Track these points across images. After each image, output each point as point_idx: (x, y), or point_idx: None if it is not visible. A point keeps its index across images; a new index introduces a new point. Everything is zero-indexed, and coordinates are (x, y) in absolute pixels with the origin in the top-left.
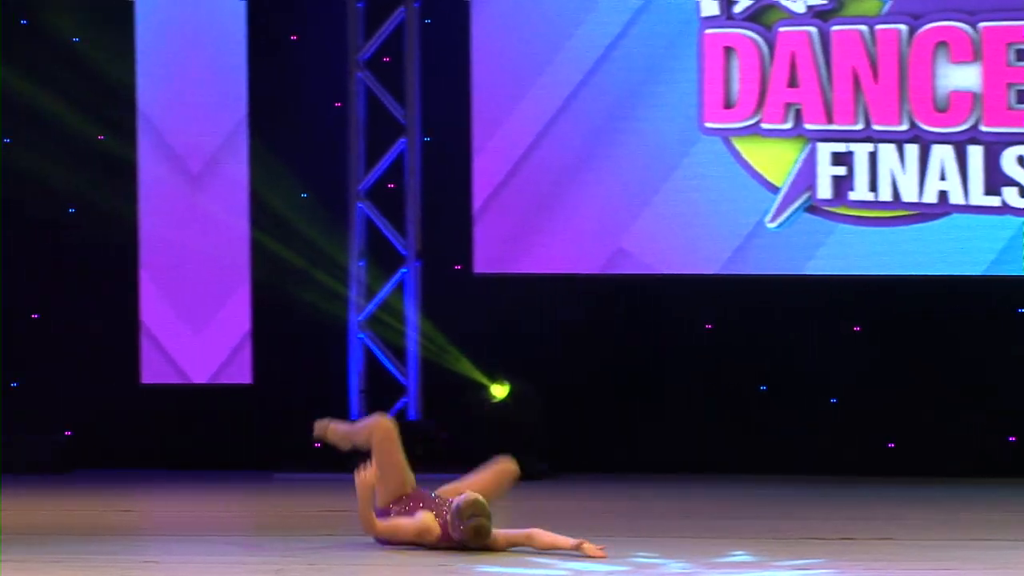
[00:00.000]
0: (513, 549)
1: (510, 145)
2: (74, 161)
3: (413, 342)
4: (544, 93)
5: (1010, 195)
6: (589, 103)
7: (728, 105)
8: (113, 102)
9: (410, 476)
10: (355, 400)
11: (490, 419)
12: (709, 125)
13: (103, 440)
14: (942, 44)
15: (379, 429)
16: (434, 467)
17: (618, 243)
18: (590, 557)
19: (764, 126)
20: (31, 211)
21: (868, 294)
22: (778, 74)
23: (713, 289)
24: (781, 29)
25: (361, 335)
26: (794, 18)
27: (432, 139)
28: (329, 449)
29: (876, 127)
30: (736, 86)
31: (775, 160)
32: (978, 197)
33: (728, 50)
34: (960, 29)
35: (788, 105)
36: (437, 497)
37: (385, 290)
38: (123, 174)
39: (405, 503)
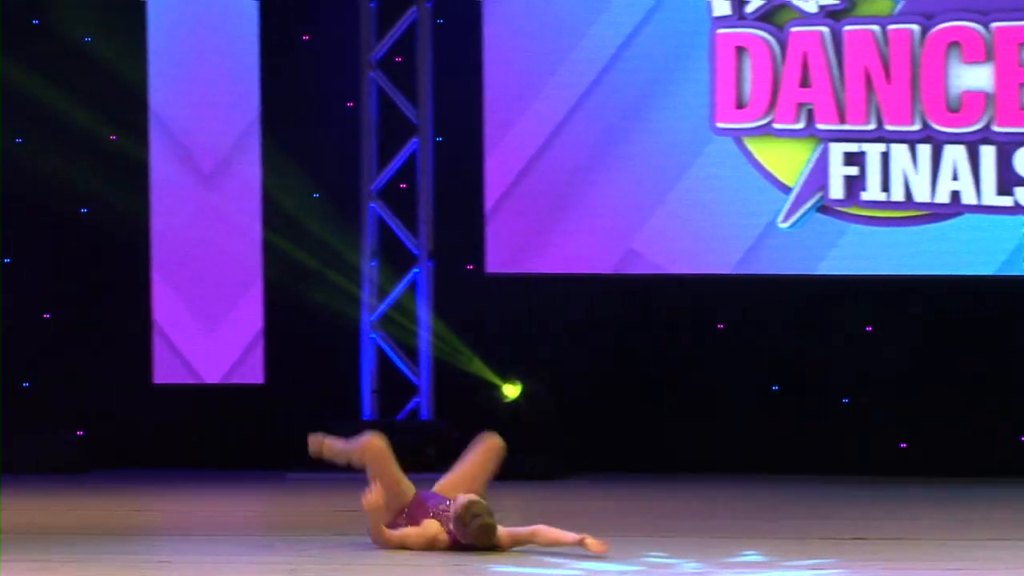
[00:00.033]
0: (524, 548)
1: (522, 145)
2: (86, 161)
3: (425, 342)
4: (556, 93)
5: (1022, 195)
6: (601, 103)
7: (740, 105)
8: (125, 102)
9: (407, 487)
10: (367, 400)
11: (502, 419)
12: (721, 125)
13: (115, 440)
14: (954, 44)
15: (370, 449)
16: (446, 468)
17: (630, 243)
18: (593, 552)
19: (776, 126)
20: (43, 211)
21: (880, 294)
22: (790, 74)
23: (725, 289)
24: (793, 29)
25: (373, 335)
26: (806, 18)
27: (444, 139)
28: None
29: (888, 127)
30: (748, 86)
31: (787, 160)
32: (990, 197)
33: (740, 50)
34: (972, 29)
35: (800, 105)
36: (438, 498)
37: (397, 290)
38: (135, 174)
39: (409, 514)
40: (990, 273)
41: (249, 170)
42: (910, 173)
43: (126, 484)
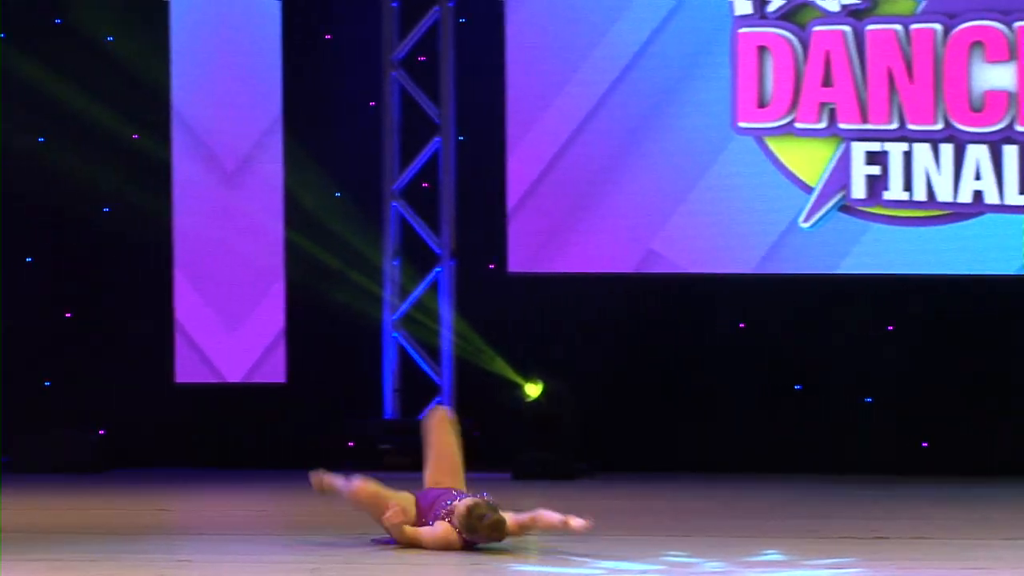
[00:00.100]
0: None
1: (544, 144)
2: (109, 160)
3: (447, 341)
4: (578, 92)
5: None
6: (623, 102)
7: (762, 104)
8: (148, 101)
9: (408, 502)
10: (389, 399)
11: (524, 418)
12: (743, 125)
13: (137, 439)
14: (977, 44)
15: (360, 496)
16: (468, 467)
17: (651, 242)
18: (577, 532)
19: (798, 125)
20: (66, 210)
21: (902, 293)
22: (812, 73)
23: (747, 288)
24: (815, 28)
25: (395, 334)
26: (828, 17)
27: (466, 138)
28: (363, 447)
29: (911, 127)
30: (770, 85)
31: (809, 160)
32: (1013, 197)
33: (762, 49)
34: (995, 29)
35: (822, 104)
36: (440, 497)
37: (419, 289)
38: (158, 173)
39: (418, 520)
40: (1012, 273)
41: (271, 169)
42: (932, 173)
43: (147, 483)
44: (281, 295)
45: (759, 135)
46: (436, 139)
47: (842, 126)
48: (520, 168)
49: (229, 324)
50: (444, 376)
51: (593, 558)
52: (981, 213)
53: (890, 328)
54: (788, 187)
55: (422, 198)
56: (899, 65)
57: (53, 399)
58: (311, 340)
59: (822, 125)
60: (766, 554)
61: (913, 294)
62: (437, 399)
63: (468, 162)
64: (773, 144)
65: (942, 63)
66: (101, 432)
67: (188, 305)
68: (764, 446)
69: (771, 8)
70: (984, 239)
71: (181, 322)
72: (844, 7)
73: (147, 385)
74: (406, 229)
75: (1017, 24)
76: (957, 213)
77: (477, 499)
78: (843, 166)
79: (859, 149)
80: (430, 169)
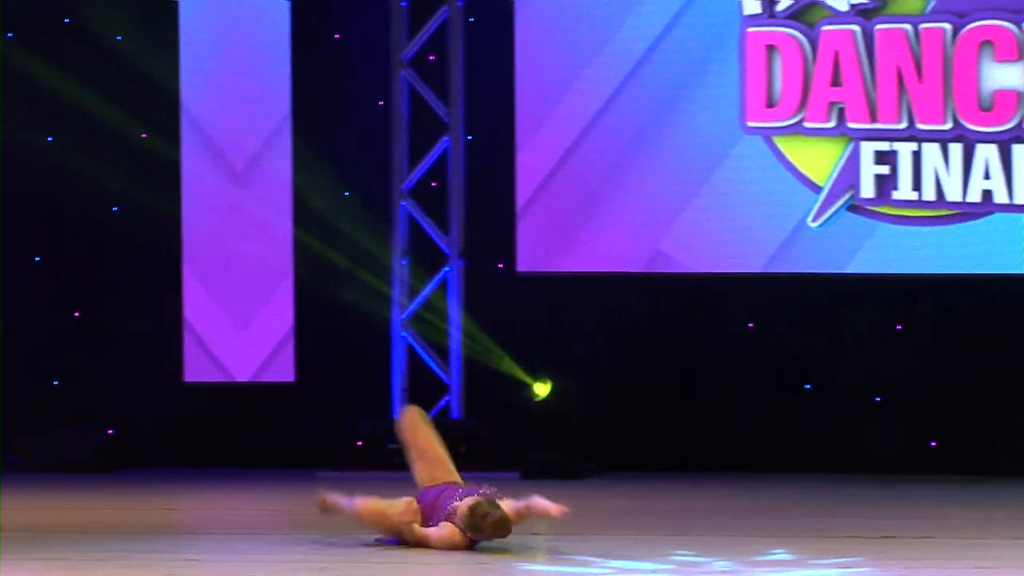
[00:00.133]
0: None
1: (553, 143)
2: (117, 159)
3: (456, 340)
4: (587, 91)
5: None
6: (631, 102)
7: (770, 104)
8: (156, 100)
9: (410, 508)
10: (398, 398)
11: (533, 418)
12: (751, 124)
13: (145, 438)
14: (987, 43)
15: (364, 516)
16: (477, 466)
17: (660, 241)
18: (553, 517)
19: (807, 125)
20: (74, 209)
21: (911, 293)
22: (821, 72)
23: (755, 288)
24: (824, 28)
25: (404, 333)
26: (837, 16)
27: (475, 137)
28: (371, 446)
29: (920, 126)
30: (778, 85)
31: (817, 159)
32: (1022, 196)
33: (770, 48)
34: (1005, 28)
35: (831, 104)
36: (439, 496)
37: (428, 288)
38: (166, 172)
39: (422, 521)
40: (1022, 272)
41: (280, 168)
42: (941, 172)
43: (155, 482)
44: (290, 294)
45: (768, 134)
46: (445, 138)
47: (851, 125)
48: (529, 167)
49: (238, 323)
50: (453, 375)
51: (602, 558)
52: (990, 213)
53: (899, 328)
54: (797, 186)
55: (431, 197)
56: (908, 64)
57: (61, 398)
58: (320, 339)
59: (831, 124)
60: (774, 553)
61: (922, 294)
62: (446, 398)
63: (477, 161)
64: (782, 143)
65: (951, 62)
66: (109, 431)
67: (197, 304)
68: (772, 445)
69: (780, 7)
70: (993, 239)
71: (190, 321)
72: (853, 6)
73: (155, 384)
74: (415, 228)
75: None
76: (966, 213)
77: (478, 498)
78: (852, 166)
79: (868, 149)
80: (439, 168)
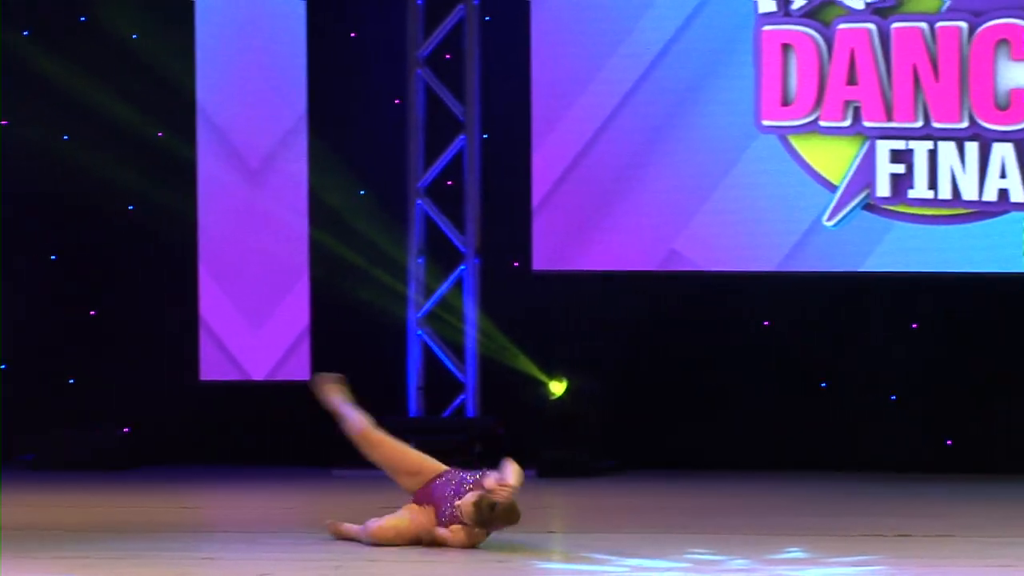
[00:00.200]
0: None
1: (569, 142)
2: (133, 158)
3: (471, 339)
4: (602, 90)
5: None
6: (647, 100)
7: (786, 103)
8: (172, 99)
9: (421, 516)
10: (413, 397)
11: (548, 416)
12: (767, 123)
13: (162, 436)
14: (1003, 41)
15: (382, 535)
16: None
17: (676, 240)
18: (506, 490)
19: (822, 124)
20: (90, 208)
21: (926, 292)
22: (837, 71)
23: (771, 286)
24: (840, 26)
25: (419, 332)
26: (853, 15)
27: (491, 136)
28: None
29: (936, 125)
30: (794, 83)
31: (833, 158)
32: None
33: (786, 47)
34: (1021, 27)
35: (847, 102)
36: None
37: (444, 287)
38: (182, 171)
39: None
40: None
41: (296, 167)
42: (958, 171)
43: (172, 480)
44: (306, 293)
45: (783, 133)
46: (461, 137)
47: (867, 124)
48: (544, 166)
49: (254, 322)
50: (468, 374)
51: (618, 556)
52: (1006, 211)
53: (914, 326)
54: (812, 185)
55: (447, 196)
56: (924, 63)
57: (77, 397)
58: (335, 338)
59: (847, 123)
60: (789, 552)
61: (937, 292)
62: (461, 397)
63: (493, 160)
64: (797, 142)
65: (967, 61)
66: (126, 429)
67: (213, 303)
68: (787, 444)
69: (795, 6)
70: (1009, 237)
71: (206, 320)
72: (869, 5)
73: (171, 383)
74: (431, 227)
75: None
76: (982, 211)
77: (477, 495)
78: (868, 164)
79: (884, 147)
80: (455, 167)
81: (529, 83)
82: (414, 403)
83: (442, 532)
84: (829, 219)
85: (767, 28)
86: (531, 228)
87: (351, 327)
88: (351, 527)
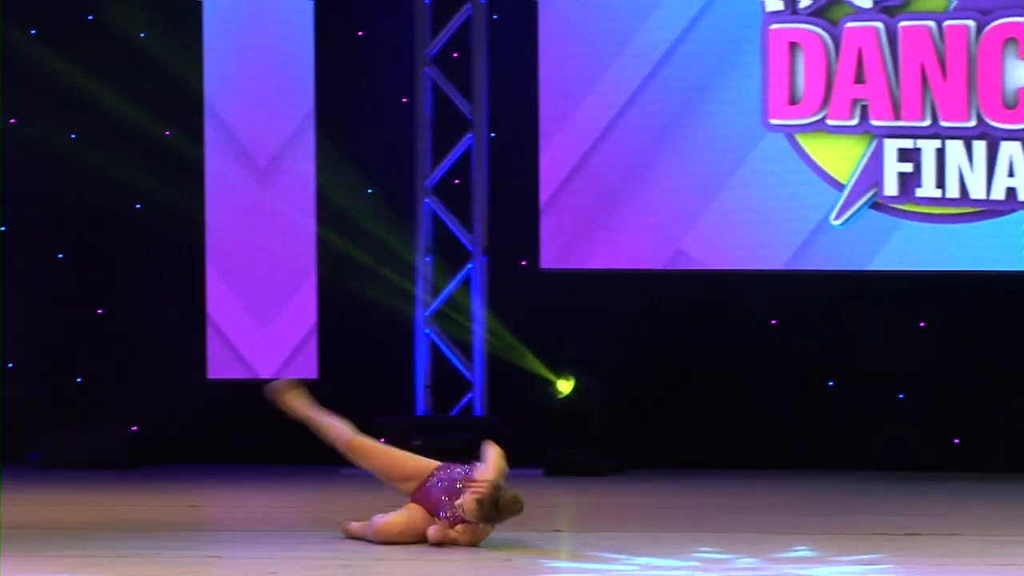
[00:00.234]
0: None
1: (576, 140)
2: (141, 157)
3: (479, 338)
4: (610, 89)
5: None
6: (654, 99)
7: (793, 101)
8: (180, 98)
9: (420, 519)
10: (421, 396)
11: (556, 414)
12: (774, 122)
13: (169, 435)
14: (1011, 40)
15: (386, 535)
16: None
17: (683, 239)
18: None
19: (830, 122)
20: (97, 207)
21: (934, 290)
22: (844, 70)
23: (778, 285)
24: (847, 25)
25: (427, 330)
26: (860, 13)
27: (498, 135)
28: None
29: (944, 123)
30: (801, 82)
31: (840, 157)
32: None
33: (793, 45)
34: None
35: (854, 101)
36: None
37: (451, 286)
38: (190, 170)
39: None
40: None
41: (303, 165)
42: (965, 170)
43: (179, 479)
44: (313, 291)
45: (790, 132)
46: (468, 135)
47: (874, 123)
48: (552, 165)
49: (261, 320)
50: (476, 372)
51: (626, 554)
52: (1014, 210)
53: (922, 325)
54: (819, 184)
55: (454, 195)
56: (932, 62)
57: (84, 395)
58: (343, 336)
59: (854, 122)
60: (796, 550)
61: (945, 291)
62: (469, 395)
63: (500, 159)
64: (804, 141)
65: (975, 60)
66: (133, 428)
67: (220, 301)
68: (794, 442)
69: (802, 4)
70: (1017, 236)
71: (213, 318)
72: (876, 3)
73: (179, 381)
74: (438, 226)
75: None
76: (990, 210)
77: (483, 489)
78: (875, 163)
79: (891, 146)
80: (462, 166)
81: (537, 82)
82: (421, 402)
83: (450, 533)
84: (836, 218)
85: (774, 27)
86: (539, 227)
87: (359, 325)
88: (357, 526)
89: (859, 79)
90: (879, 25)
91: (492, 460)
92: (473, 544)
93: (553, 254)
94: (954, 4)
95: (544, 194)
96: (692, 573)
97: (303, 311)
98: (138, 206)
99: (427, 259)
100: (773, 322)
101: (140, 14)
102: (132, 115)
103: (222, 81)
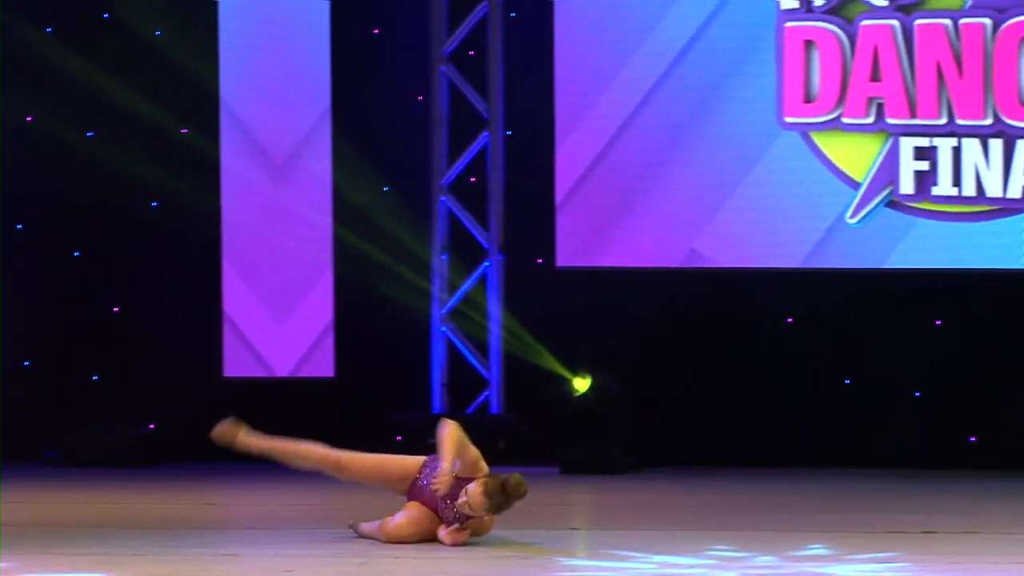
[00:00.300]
0: (595, 545)
1: (592, 139)
2: (157, 155)
3: (495, 336)
4: (625, 87)
5: None
6: (670, 97)
7: (808, 99)
8: (196, 96)
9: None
10: (437, 393)
11: (572, 412)
12: (789, 120)
13: (185, 433)
14: None
15: (395, 537)
16: (516, 461)
17: (699, 237)
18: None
19: (845, 120)
20: (114, 205)
21: (950, 288)
22: (860, 68)
23: (794, 283)
24: (863, 23)
25: (443, 328)
26: (876, 11)
27: (514, 133)
28: (411, 442)
29: (960, 121)
30: (816, 80)
31: (856, 155)
32: None
33: (808, 44)
34: None
35: (870, 99)
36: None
37: (467, 284)
38: (206, 168)
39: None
40: None
41: (319, 164)
42: (982, 168)
43: (195, 477)
44: (329, 289)
45: (805, 130)
46: (484, 134)
47: (890, 121)
48: (568, 163)
49: (278, 318)
50: (492, 370)
51: (643, 552)
52: None
53: (938, 323)
54: (835, 183)
55: (470, 193)
56: (948, 60)
57: (101, 394)
58: (359, 335)
59: (870, 120)
60: (812, 548)
61: (961, 289)
62: (485, 393)
63: (516, 157)
64: (819, 139)
65: (991, 58)
66: (149, 426)
67: (237, 299)
68: (810, 440)
69: (818, 3)
70: None
71: (230, 316)
72: (892, 1)
73: (195, 379)
74: (454, 224)
75: None
76: (1006, 208)
77: (482, 484)
78: (891, 161)
79: (907, 144)
80: (478, 164)
81: (552, 80)
82: (438, 399)
83: (463, 535)
84: (852, 216)
85: (789, 25)
86: (555, 225)
87: (375, 323)
88: (367, 526)
89: (875, 77)
90: (895, 23)
91: (443, 448)
92: (482, 534)
93: (569, 252)
94: (970, 2)
95: (560, 192)
96: (709, 571)
97: (319, 309)
98: (154, 204)
99: (443, 257)
100: (789, 320)
101: (156, 12)
102: (148, 113)
103: (238, 79)
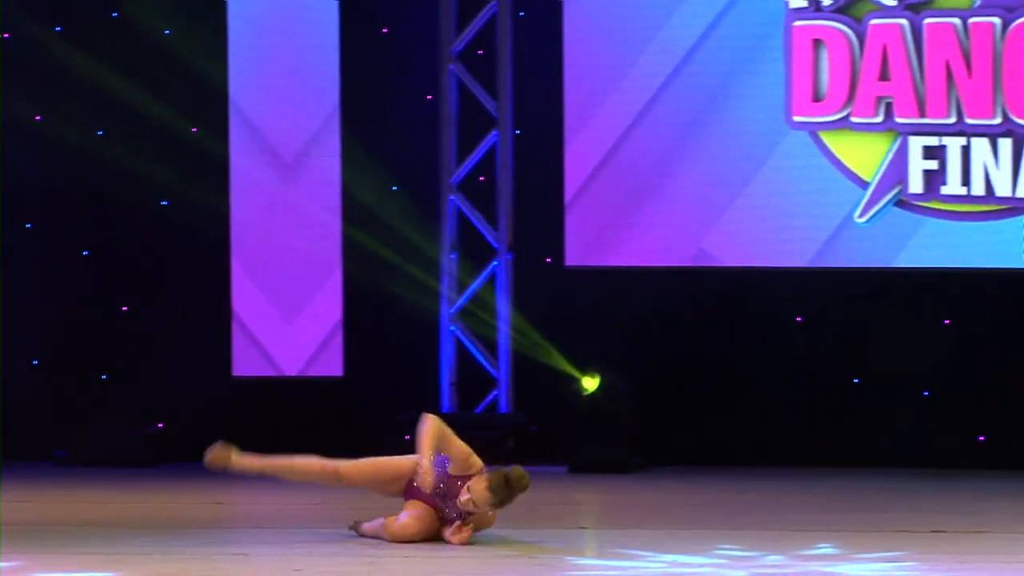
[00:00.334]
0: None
1: (601, 138)
2: (167, 154)
3: (504, 335)
4: (634, 86)
5: None
6: (678, 96)
7: (817, 98)
8: (205, 95)
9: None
10: (446, 393)
11: (581, 412)
12: (798, 119)
13: (194, 432)
14: None
15: (401, 536)
16: (524, 460)
17: (707, 236)
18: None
19: (854, 120)
20: (123, 204)
21: (959, 288)
22: (869, 67)
23: (803, 282)
24: (872, 22)
25: (452, 328)
26: (885, 11)
27: (523, 132)
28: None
29: (969, 121)
30: (825, 79)
31: (864, 154)
32: None
33: (817, 43)
34: None
35: (879, 98)
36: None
37: (476, 283)
38: (215, 167)
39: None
40: None
41: (328, 162)
42: (991, 167)
43: (203, 476)
44: (338, 288)
45: (814, 129)
46: (493, 133)
47: (899, 120)
48: (577, 162)
49: (286, 317)
50: (501, 370)
51: (652, 551)
52: None
53: (946, 323)
54: (843, 182)
55: (479, 192)
56: (957, 59)
57: (110, 393)
58: (368, 334)
59: (878, 119)
60: (820, 547)
61: (969, 288)
62: (494, 393)
63: (525, 156)
64: (828, 139)
65: (1001, 57)
66: (158, 425)
67: (245, 298)
68: (818, 440)
69: (826, 2)
70: None
71: (238, 315)
72: (901, 0)
73: (204, 378)
74: (463, 223)
75: None
76: (1016, 208)
77: (485, 480)
78: (900, 161)
79: (916, 143)
80: (487, 163)
81: (561, 79)
82: (447, 399)
83: (468, 532)
84: (861, 215)
85: (798, 23)
86: (563, 224)
87: (384, 323)
88: (369, 526)
89: (884, 76)
90: (904, 22)
91: (420, 443)
92: (486, 528)
93: (578, 251)
94: (979, 1)
95: (569, 191)
96: (718, 570)
97: (328, 308)
98: (164, 203)
99: (452, 256)
100: (798, 319)
101: (164, 11)
102: (157, 112)
103: (247, 78)
